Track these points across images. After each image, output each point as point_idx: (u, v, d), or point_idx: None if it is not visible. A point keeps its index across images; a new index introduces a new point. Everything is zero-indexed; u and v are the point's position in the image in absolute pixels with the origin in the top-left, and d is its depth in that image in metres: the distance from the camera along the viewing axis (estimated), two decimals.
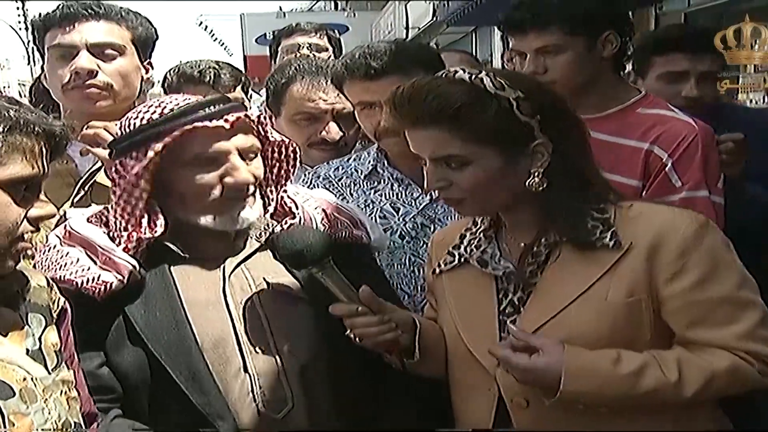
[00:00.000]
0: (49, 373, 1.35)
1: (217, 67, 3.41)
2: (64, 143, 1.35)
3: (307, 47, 3.72)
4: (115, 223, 1.69)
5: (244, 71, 3.90)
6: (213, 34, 21.93)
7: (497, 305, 1.69)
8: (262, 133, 1.76)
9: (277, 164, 1.81)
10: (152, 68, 2.45)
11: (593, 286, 1.58)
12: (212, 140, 1.66)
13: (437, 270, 1.80)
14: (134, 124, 1.67)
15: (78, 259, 1.65)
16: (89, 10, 2.27)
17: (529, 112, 1.58)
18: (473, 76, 1.58)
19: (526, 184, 1.60)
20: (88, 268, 1.63)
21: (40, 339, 1.37)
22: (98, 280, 1.62)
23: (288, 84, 2.53)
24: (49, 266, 1.64)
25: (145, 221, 1.67)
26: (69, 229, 1.70)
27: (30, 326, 1.37)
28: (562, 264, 1.62)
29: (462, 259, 1.75)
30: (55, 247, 1.67)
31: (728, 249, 1.60)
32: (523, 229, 1.69)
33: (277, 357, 1.69)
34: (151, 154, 1.62)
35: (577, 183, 1.62)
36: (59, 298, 1.47)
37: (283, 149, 1.81)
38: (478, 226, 1.77)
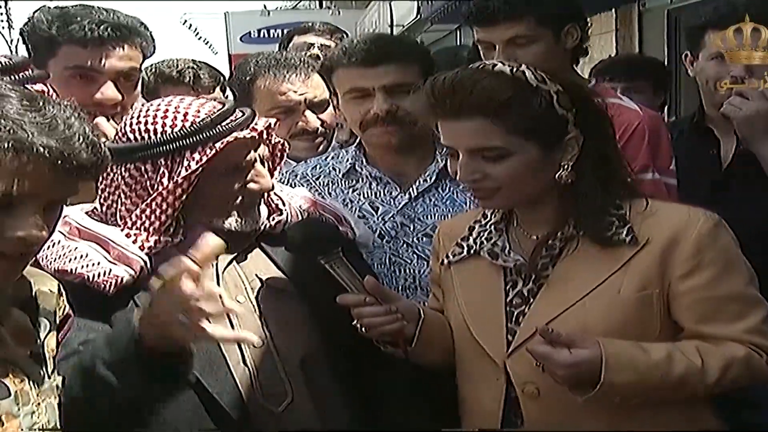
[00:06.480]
0: (48, 378, 1.35)
1: (195, 67, 3.36)
2: None
3: (319, 47, 3.70)
4: (134, 222, 1.70)
5: (229, 69, 3.86)
6: (197, 33, 21.80)
7: (505, 296, 1.71)
8: (267, 137, 1.79)
9: (268, 162, 1.83)
10: None
11: (607, 280, 1.61)
12: (245, 150, 1.70)
13: (445, 261, 1.81)
14: (155, 129, 1.67)
15: (87, 254, 1.65)
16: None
17: (567, 105, 1.61)
18: (514, 69, 1.61)
19: (556, 176, 1.63)
20: (98, 263, 1.64)
21: (43, 344, 1.37)
22: (109, 274, 1.63)
23: (253, 81, 2.52)
24: (55, 259, 1.64)
25: (172, 227, 1.70)
26: (76, 225, 1.70)
27: (38, 330, 1.37)
28: (577, 258, 1.64)
29: (471, 251, 1.77)
30: (59, 242, 1.67)
31: (737, 247, 1.64)
32: (537, 223, 1.71)
33: (274, 351, 1.71)
34: (194, 165, 1.64)
35: (601, 177, 1.64)
36: (65, 305, 1.47)
37: (278, 150, 1.85)
38: (488, 219, 1.79)
